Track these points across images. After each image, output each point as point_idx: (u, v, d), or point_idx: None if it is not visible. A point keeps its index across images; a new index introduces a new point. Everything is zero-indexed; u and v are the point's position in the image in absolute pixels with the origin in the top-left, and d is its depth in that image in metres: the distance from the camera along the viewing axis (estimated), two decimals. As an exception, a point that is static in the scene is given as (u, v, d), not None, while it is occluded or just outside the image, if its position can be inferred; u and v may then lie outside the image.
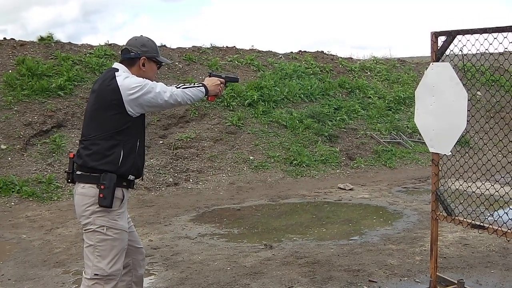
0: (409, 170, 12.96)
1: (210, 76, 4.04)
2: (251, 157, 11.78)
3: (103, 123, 3.54)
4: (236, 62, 14.99)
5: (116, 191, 3.51)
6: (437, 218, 4.80)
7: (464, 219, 4.58)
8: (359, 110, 15.09)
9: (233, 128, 12.58)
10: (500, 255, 6.24)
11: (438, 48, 4.57)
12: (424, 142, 14.36)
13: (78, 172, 3.60)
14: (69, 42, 13.26)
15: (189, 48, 14.85)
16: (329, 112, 14.41)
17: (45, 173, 9.79)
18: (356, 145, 13.55)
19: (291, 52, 16.92)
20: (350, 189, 10.50)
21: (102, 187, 3.45)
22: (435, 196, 4.78)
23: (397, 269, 5.75)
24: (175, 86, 3.78)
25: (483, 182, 5.01)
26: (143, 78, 3.64)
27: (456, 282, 5.07)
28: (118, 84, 3.50)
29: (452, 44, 4.49)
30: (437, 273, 5.48)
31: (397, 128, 14.89)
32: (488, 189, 4.99)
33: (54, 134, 10.65)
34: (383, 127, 14.68)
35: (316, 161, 12.32)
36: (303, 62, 16.26)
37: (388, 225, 7.78)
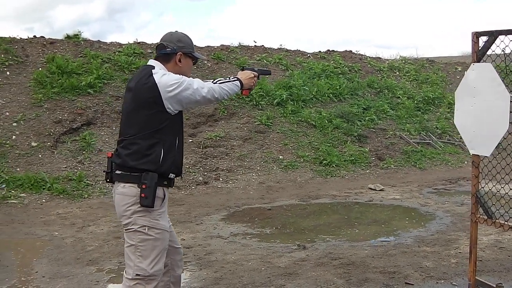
0: (439, 171, 12.83)
1: (243, 70, 4.00)
2: (280, 157, 11.76)
3: (142, 122, 3.51)
4: (265, 61, 14.99)
5: (157, 190, 3.49)
6: (477, 220, 4.73)
7: (506, 222, 4.49)
8: (388, 110, 14.98)
9: (262, 127, 12.57)
10: (537, 258, 6.14)
11: (479, 48, 4.50)
12: (453, 143, 14.28)
13: (118, 172, 3.58)
14: (98, 40, 13.43)
15: (217, 46, 14.88)
16: (358, 112, 14.33)
17: (75, 170, 9.88)
18: (385, 145, 13.45)
19: (320, 52, 16.86)
20: (380, 190, 10.43)
21: (143, 186, 3.43)
22: (475, 199, 4.70)
23: (433, 271, 5.68)
24: (212, 82, 3.76)
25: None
26: (179, 74, 3.61)
27: (495, 286, 5.00)
28: (156, 81, 3.47)
29: (493, 44, 4.43)
30: (475, 277, 5.44)
31: (426, 129, 14.75)
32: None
33: (84, 132, 10.75)
34: (412, 127, 14.55)
35: (345, 161, 12.26)
36: (332, 62, 16.19)
37: (421, 227, 7.71)
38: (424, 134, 14.52)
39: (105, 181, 3.80)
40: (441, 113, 15.83)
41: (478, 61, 4.54)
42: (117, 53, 12.84)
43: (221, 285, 5.29)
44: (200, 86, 3.58)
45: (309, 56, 16.28)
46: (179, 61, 3.69)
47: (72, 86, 11.23)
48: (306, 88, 14.24)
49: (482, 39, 4.48)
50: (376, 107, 14.84)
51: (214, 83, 3.72)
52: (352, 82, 15.48)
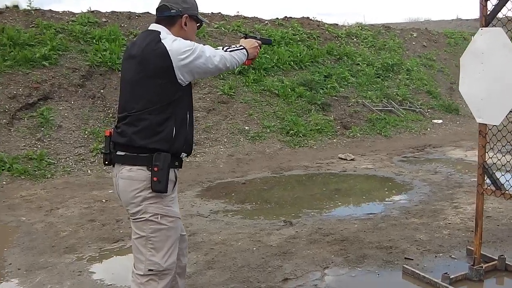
0: (404, 138, 12.81)
1: (246, 38, 3.67)
2: (246, 127, 11.45)
3: (151, 94, 3.10)
4: (223, 29, 14.52)
5: (170, 172, 3.13)
6: (484, 192, 4.57)
7: (517, 194, 4.34)
8: (349, 77, 14.81)
9: (225, 97, 12.19)
10: (526, 227, 6.10)
11: (488, 12, 4.28)
12: (415, 110, 14.26)
13: (121, 153, 3.17)
14: (50, 9, 12.61)
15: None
16: (320, 80, 14.09)
17: (35, 148, 9.28)
18: (349, 113, 13.31)
19: (277, 18, 16.47)
20: (351, 160, 10.28)
21: (155, 169, 3.05)
22: (482, 169, 4.53)
23: (428, 244, 5.55)
24: (222, 49, 3.39)
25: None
26: (184, 38, 3.22)
27: (497, 258, 4.90)
28: (167, 48, 3.06)
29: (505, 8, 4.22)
30: (468, 247, 5.33)
31: (388, 96, 14.69)
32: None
33: (41, 107, 10.07)
34: (373, 94, 14.45)
35: (312, 131, 12.05)
36: (290, 29, 15.84)
37: (403, 197, 7.60)
38: (386, 101, 14.46)
39: (103, 164, 3.34)
40: (400, 80, 15.80)
41: (487, 26, 4.32)
42: (70, 22, 12.11)
43: (215, 269, 5.00)
44: (212, 54, 3.20)
45: (267, 23, 15.89)
46: (185, 24, 3.29)
47: (26, 58, 10.50)
48: (267, 56, 13.88)
49: (492, 2, 4.25)
50: (337, 75, 14.65)
51: (225, 51, 3.34)
52: (312, 49, 15.20)
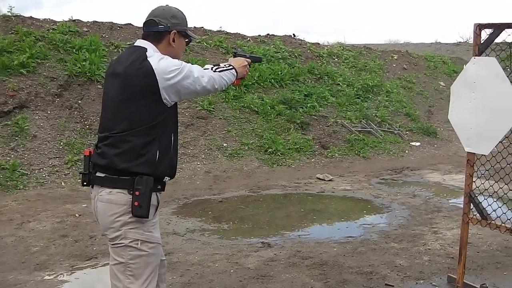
0: (382, 160, 12.77)
1: (235, 56, 3.52)
2: (224, 144, 11.31)
3: (135, 115, 2.93)
4: (205, 44, 14.41)
5: (151, 197, 2.96)
6: (469, 221, 4.49)
7: (503, 224, 4.27)
8: (329, 97, 14.77)
9: (204, 113, 12.05)
10: (505, 254, 6.05)
11: (482, 41, 4.24)
12: (393, 132, 14.26)
13: (101, 174, 3.01)
14: (31, 16, 12.37)
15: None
16: (300, 98, 14.01)
17: (8, 158, 9.01)
18: (328, 133, 13.25)
19: (259, 35, 16.44)
20: (329, 180, 10.20)
21: (137, 193, 2.88)
22: (469, 199, 4.46)
23: (408, 270, 5.46)
24: (210, 69, 3.21)
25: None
26: (171, 57, 3.05)
27: (478, 287, 4.83)
28: (153, 66, 2.90)
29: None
30: (449, 275, 5.26)
31: (367, 117, 14.66)
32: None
33: (17, 116, 9.80)
34: (353, 115, 14.42)
35: (290, 150, 11.95)
36: (272, 46, 15.81)
37: (382, 221, 7.51)
38: (365, 122, 14.44)
39: (81, 185, 3.17)
40: (380, 101, 15.82)
41: (480, 55, 4.27)
42: (51, 30, 11.87)
43: (192, 291, 4.84)
44: (200, 75, 3.04)
45: (249, 40, 15.83)
46: (173, 40, 3.13)
47: (3, 65, 10.21)
48: (248, 73, 13.76)
49: (486, 32, 4.21)
50: (317, 94, 14.59)
51: (214, 71, 3.20)
52: (293, 67, 15.16)
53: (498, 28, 4.12)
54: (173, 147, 3.12)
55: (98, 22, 13.02)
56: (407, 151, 13.74)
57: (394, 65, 18.69)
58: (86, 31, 12.19)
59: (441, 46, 29.77)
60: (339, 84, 15.64)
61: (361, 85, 16.00)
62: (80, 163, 9.07)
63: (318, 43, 18.11)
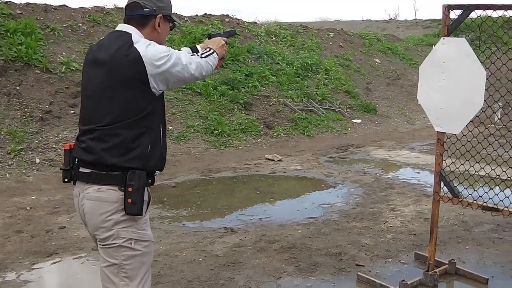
0: (327, 138, 12.92)
1: (209, 37, 3.33)
2: (170, 127, 11.09)
3: (124, 106, 2.75)
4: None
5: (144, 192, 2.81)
6: (440, 199, 4.57)
7: (474, 201, 4.37)
8: (270, 76, 14.77)
9: (147, 95, 11.75)
10: (463, 229, 6.24)
11: (451, 22, 4.28)
12: (334, 110, 14.48)
13: (86, 170, 2.81)
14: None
15: (91, 8, 13.66)
16: (241, 78, 13.95)
17: None
18: (272, 112, 13.26)
19: (197, 15, 16.18)
20: (279, 160, 10.22)
21: (130, 189, 2.71)
22: (439, 177, 4.53)
23: (375, 249, 5.54)
24: (195, 54, 3.03)
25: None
26: (156, 42, 2.89)
27: (447, 262, 4.95)
28: (141, 53, 2.73)
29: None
30: (417, 252, 5.37)
31: (308, 95, 14.77)
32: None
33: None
34: (294, 94, 14.48)
35: (236, 131, 11.89)
36: (210, 26, 15.60)
37: (338, 200, 7.58)
38: (306, 100, 14.53)
39: (62, 181, 2.96)
40: (319, 80, 15.95)
41: (449, 35, 4.31)
42: (-21, 13, 11.25)
43: (164, 284, 4.71)
44: (189, 62, 2.88)
45: (187, 20, 15.55)
46: (158, 25, 2.94)
47: None
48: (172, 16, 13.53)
49: (455, 13, 4.24)
50: (258, 74, 14.55)
51: (202, 56, 3.02)
52: (233, 47, 15.02)
53: (467, 9, 4.16)
54: (162, 139, 2.96)
55: (31, 4, 12.41)
56: (349, 129, 13.94)
57: (330, 43, 18.85)
58: (20, 13, 11.60)
59: (371, 23, 30.29)
60: (278, 63, 15.65)
61: (300, 63, 16.07)
62: (24, 153, 8.70)
63: (255, 22, 18.07)
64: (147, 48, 2.76)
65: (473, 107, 4.17)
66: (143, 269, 2.86)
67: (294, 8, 71.67)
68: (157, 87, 2.81)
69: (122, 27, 2.94)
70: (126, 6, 2.97)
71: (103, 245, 2.82)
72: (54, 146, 9.09)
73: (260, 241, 5.80)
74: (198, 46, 3.21)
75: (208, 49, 3.12)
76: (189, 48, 3.10)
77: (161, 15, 2.93)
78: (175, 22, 3.10)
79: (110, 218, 2.77)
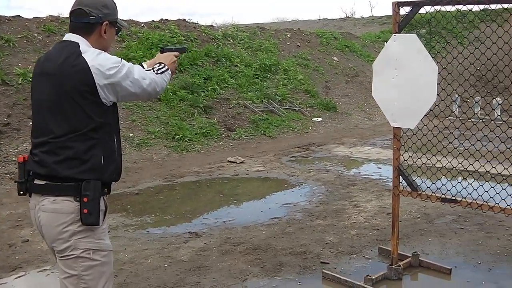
0: (288, 138, 12.99)
1: (162, 52, 3.31)
2: (131, 134, 11.01)
3: (74, 118, 2.72)
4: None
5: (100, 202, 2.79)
6: (400, 193, 4.65)
7: (433, 194, 4.46)
8: (229, 79, 14.78)
9: (106, 104, 11.63)
10: (425, 221, 6.35)
11: (401, 19, 4.36)
12: (295, 109, 14.60)
13: (40, 182, 2.78)
14: None
15: (46, 18, 13.46)
16: (200, 82, 13.93)
17: None
18: (232, 115, 13.27)
19: (153, 21, 16.09)
20: (241, 162, 10.23)
21: (85, 200, 2.69)
22: (398, 172, 4.61)
23: (339, 246, 5.60)
24: (150, 70, 3.02)
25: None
26: (102, 49, 2.87)
27: (410, 255, 5.03)
28: (89, 63, 2.70)
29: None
30: (380, 246, 5.45)
31: (268, 96, 14.83)
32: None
33: None
34: (254, 95, 14.52)
35: (197, 135, 11.86)
36: (167, 31, 15.53)
37: (301, 199, 7.63)
38: (267, 101, 14.59)
39: (18, 194, 2.91)
40: (278, 80, 16.03)
41: (400, 32, 4.39)
42: None
43: (131, 292, 4.69)
44: (141, 76, 2.86)
45: (143, 26, 15.45)
46: (105, 32, 2.90)
47: None
48: (146, 59, 13.44)
49: (405, 9, 4.33)
50: (217, 77, 14.55)
51: (156, 72, 2.99)
52: (190, 51, 14.97)
53: (417, 5, 4.25)
54: (117, 150, 2.93)
55: (-17, 15, 12.21)
56: (310, 127, 14.05)
57: (288, 43, 18.96)
58: None
59: (328, 22, 30.57)
60: (237, 65, 15.68)
61: (259, 65, 16.13)
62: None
63: (212, 26, 18.08)
64: (96, 58, 2.74)
65: (427, 102, 4.25)
66: (102, 279, 2.83)
67: (250, 10, 71.89)
68: (107, 98, 2.77)
69: (69, 36, 2.89)
70: (71, 12, 2.91)
71: (61, 256, 2.79)
72: (14, 159, 8.93)
73: (225, 244, 5.80)
74: (145, 64, 3.20)
75: (162, 65, 3.10)
76: (139, 65, 3.08)
77: (107, 22, 2.90)
78: (121, 27, 3.08)
79: (67, 229, 2.74)
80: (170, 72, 3.13)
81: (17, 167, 2.93)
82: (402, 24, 4.37)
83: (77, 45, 2.80)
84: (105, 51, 2.89)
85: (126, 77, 2.79)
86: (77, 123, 2.73)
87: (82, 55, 2.74)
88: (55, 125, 2.75)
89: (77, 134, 2.73)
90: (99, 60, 2.74)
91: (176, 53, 3.32)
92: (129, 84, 2.81)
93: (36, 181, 2.80)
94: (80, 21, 2.87)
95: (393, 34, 4.42)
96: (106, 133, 2.84)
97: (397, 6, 4.36)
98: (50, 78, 2.78)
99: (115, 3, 3.03)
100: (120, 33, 3.21)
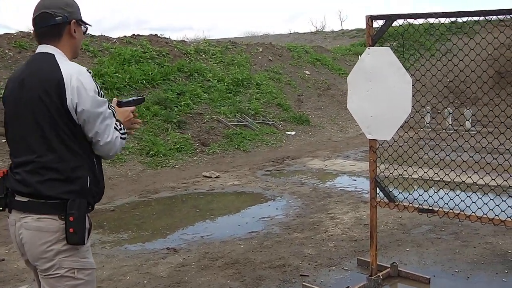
0: (262, 152, 13.02)
1: (120, 105, 3.02)
2: (104, 151, 10.91)
3: (55, 138, 2.64)
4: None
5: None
6: (377, 205, 4.70)
7: (410, 204, 4.52)
8: (202, 94, 14.81)
9: (78, 120, 11.54)
10: (402, 231, 6.42)
11: (375, 32, 4.43)
12: (268, 123, 14.66)
13: (23, 199, 2.69)
14: None
15: (16, 34, 13.33)
16: (173, 97, 13.94)
17: None
18: (206, 130, 13.28)
19: (125, 36, 16.06)
20: (216, 177, 10.22)
21: (71, 219, 2.62)
22: (375, 183, 4.66)
23: (318, 258, 5.62)
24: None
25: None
26: (75, 49, 2.81)
27: (389, 266, 5.07)
28: (64, 77, 2.59)
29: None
30: (359, 257, 5.49)
31: (241, 111, 14.89)
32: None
33: None
34: (227, 110, 14.56)
35: (171, 150, 11.84)
36: (139, 46, 15.51)
37: (278, 212, 7.65)
38: (240, 116, 14.63)
39: None
40: (251, 94, 16.11)
41: (373, 45, 4.46)
42: None
43: (109, 309, 4.64)
44: (114, 128, 2.77)
45: (115, 42, 15.41)
46: (74, 31, 2.78)
47: None
48: (119, 75, 13.43)
49: (378, 23, 4.40)
50: (190, 92, 14.58)
51: (120, 134, 2.83)
52: (163, 66, 15.00)
53: (390, 19, 4.33)
54: (98, 167, 2.87)
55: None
56: (284, 141, 14.11)
57: (260, 58, 19.07)
58: None
59: (299, 36, 30.82)
60: (209, 80, 15.72)
61: (231, 79, 16.20)
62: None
63: (184, 41, 18.11)
64: (76, 76, 2.62)
65: (402, 114, 4.32)
66: None
67: (221, 25, 72.24)
68: (77, 119, 2.68)
69: (42, 48, 2.77)
70: (35, 19, 2.76)
71: (44, 275, 2.72)
72: (-17, 177, 8.78)
73: (204, 259, 5.78)
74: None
75: (119, 125, 2.88)
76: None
77: (74, 20, 2.79)
78: (86, 25, 2.93)
79: (51, 248, 2.67)
80: (125, 130, 2.91)
81: None
82: (376, 37, 4.44)
83: (52, 56, 2.70)
84: (77, 53, 2.85)
85: (104, 117, 2.71)
86: (59, 142, 2.65)
87: (60, 69, 2.63)
88: (36, 145, 2.67)
89: (59, 154, 2.65)
90: (82, 79, 2.63)
91: (132, 108, 3.08)
92: (103, 128, 2.72)
93: (18, 198, 2.71)
94: (47, 24, 2.73)
95: (367, 48, 4.48)
96: (89, 152, 2.77)
97: (370, 19, 4.43)
98: (26, 94, 2.68)
99: (76, 2, 2.89)
100: (85, 32, 3.08)
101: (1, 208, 2.78)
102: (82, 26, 2.87)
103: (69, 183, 2.66)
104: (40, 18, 2.73)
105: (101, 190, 2.89)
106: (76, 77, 2.63)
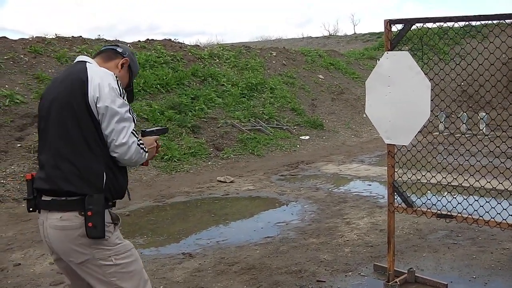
0: (277, 157, 13.00)
1: (143, 135, 3.17)
2: (119, 156, 10.94)
3: (78, 133, 2.77)
4: (85, 53, 13.89)
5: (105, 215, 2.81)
6: (395, 210, 4.66)
7: (429, 210, 4.48)
8: (216, 98, 14.84)
9: (93, 125, 11.59)
10: (418, 237, 6.36)
11: (393, 36, 4.40)
12: (282, 128, 14.65)
13: (46, 198, 2.82)
14: None
15: (32, 39, 13.44)
16: (188, 102, 13.96)
17: None
18: (220, 134, 13.28)
19: (139, 41, 16.14)
20: (231, 182, 10.21)
21: (89, 213, 2.72)
22: (393, 188, 4.62)
23: (334, 264, 5.58)
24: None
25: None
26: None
27: (406, 272, 5.03)
28: (89, 77, 2.78)
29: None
30: (375, 263, 5.44)
31: (255, 115, 14.89)
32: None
33: None
34: (241, 114, 14.57)
35: (185, 155, 11.85)
36: (153, 51, 15.58)
37: (294, 217, 7.61)
38: (254, 120, 14.63)
39: (27, 211, 2.94)
40: (265, 99, 16.10)
41: (392, 49, 4.43)
42: None
43: (126, 314, 4.62)
44: (133, 134, 2.85)
45: (130, 46, 15.46)
46: (121, 66, 3.05)
47: None
48: (134, 80, 13.45)
49: (397, 27, 4.37)
50: (204, 96, 14.60)
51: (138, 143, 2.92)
52: (177, 71, 15.05)
53: (408, 23, 4.30)
54: (118, 167, 2.93)
55: None
56: (298, 146, 14.08)
57: (274, 62, 19.06)
58: None
59: (312, 40, 30.82)
60: (223, 84, 15.73)
61: (245, 84, 16.20)
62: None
63: (198, 45, 18.17)
64: (101, 77, 2.80)
65: (421, 118, 4.28)
66: (135, 278, 2.91)
67: (234, 29, 72.36)
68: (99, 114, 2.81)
69: (80, 57, 3.02)
70: (105, 46, 3.18)
71: (83, 267, 2.83)
72: (2, 181, 8.85)
73: (220, 264, 5.76)
74: None
75: (143, 145, 3.00)
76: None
77: (128, 60, 3.09)
78: (132, 83, 3.21)
79: (79, 243, 2.79)
80: (146, 156, 3.03)
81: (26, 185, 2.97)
82: (395, 42, 4.41)
83: (84, 63, 2.91)
84: None
85: (122, 118, 2.82)
86: (80, 139, 2.78)
87: (87, 71, 2.82)
88: (60, 141, 2.80)
89: (80, 150, 2.78)
90: (104, 80, 2.80)
91: (156, 137, 3.25)
92: (120, 128, 2.82)
93: (44, 198, 2.85)
94: (109, 47, 3.13)
95: (386, 52, 4.45)
96: (108, 150, 2.86)
97: (389, 24, 4.40)
98: (58, 95, 2.85)
99: (137, 63, 3.31)
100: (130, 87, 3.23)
101: (31, 209, 2.92)
102: (128, 73, 3.16)
103: (86, 178, 2.78)
104: (107, 45, 3.16)
105: (121, 187, 2.99)
106: (100, 76, 2.82)
